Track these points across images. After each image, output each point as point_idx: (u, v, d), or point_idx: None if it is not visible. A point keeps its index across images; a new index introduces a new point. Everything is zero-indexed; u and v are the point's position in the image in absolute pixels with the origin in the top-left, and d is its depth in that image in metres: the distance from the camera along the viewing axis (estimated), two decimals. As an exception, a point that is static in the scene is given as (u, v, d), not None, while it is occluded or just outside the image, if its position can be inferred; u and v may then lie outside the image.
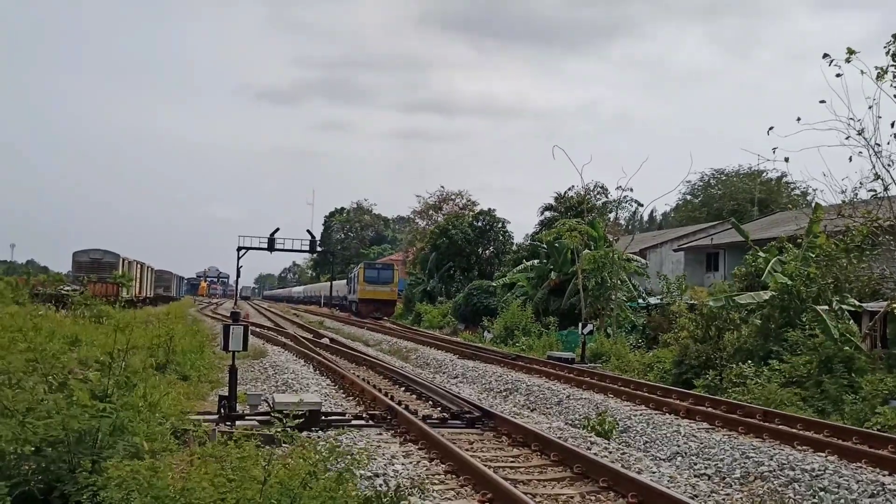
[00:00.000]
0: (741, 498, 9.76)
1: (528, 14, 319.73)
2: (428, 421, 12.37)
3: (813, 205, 22.32)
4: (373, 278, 64.62)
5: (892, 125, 15.92)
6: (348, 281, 76.41)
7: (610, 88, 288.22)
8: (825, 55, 15.83)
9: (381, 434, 11.59)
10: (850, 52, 15.68)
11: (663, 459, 11.75)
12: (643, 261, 39.87)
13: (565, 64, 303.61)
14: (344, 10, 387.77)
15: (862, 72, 15.68)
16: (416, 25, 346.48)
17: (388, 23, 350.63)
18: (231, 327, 11.46)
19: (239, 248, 73.30)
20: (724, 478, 10.68)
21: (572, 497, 8.65)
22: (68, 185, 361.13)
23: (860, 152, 16.56)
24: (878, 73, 15.65)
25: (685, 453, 11.87)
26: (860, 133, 16.31)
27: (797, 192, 59.58)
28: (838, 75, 15.87)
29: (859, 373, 16.07)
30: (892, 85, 15.74)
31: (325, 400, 14.43)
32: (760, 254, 23.00)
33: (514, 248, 56.69)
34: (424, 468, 9.53)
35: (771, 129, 16.64)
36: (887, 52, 15.76)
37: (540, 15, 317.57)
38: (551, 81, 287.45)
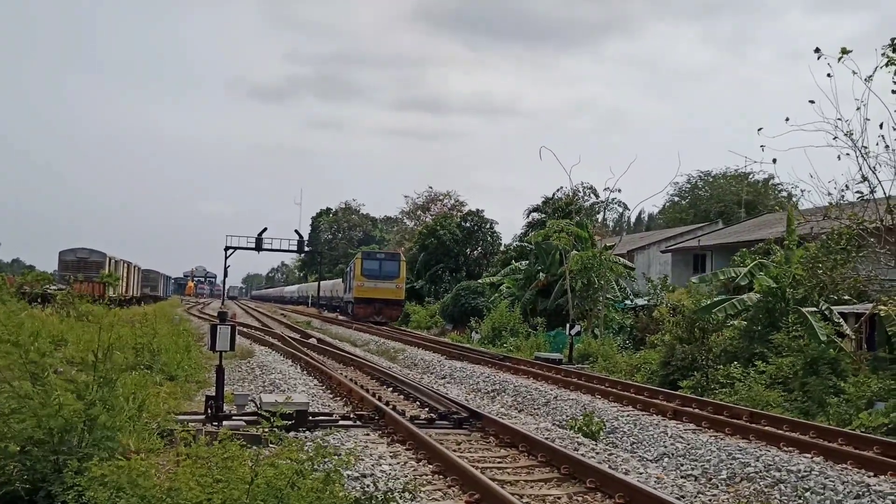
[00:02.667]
0: (728, 499, 9.80)
1: (523, 11, 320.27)
2: (415, 421, 12.36)
3: (798, 206, 22.38)
4: (373, 272, 51.48)
5: (881, 126, 15.98)
6: (343, 277, 64.98)
7: (605, 87, 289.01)
8: (817, 49, 15.87)
9: (368, 434, 11.57)
10: (844, 51, 15.74)
11: (650, 460, 11.78)
12: (628, 263, 40.02)
13: (560, 62, 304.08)
14: (337, 6, 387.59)
15: (854, 72, 15.73)
16: (410, 23, 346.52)
17: (381, 20, 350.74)
18: (218, 327, 11.42)
19: (226, 248, 72.96)
20: (711, 479, 10.72)
21: (559, 498, 8.66)
22: (55, 183, 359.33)
23: (847, 153, 16.62)
24: (888, 60, 15.59)
25: (672, 454, 11.91)
26: (848, 135, 16.37)
27: (784, 193, 59.92)
28: (829, 75, 15.93)
29: (843, 375, 16.16)
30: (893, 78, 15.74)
31: (313, 400, 14.39)
32: (736, 269, 23.08)
33: (503, 248, 56.75)
34: (412, 469, 9.52)
35: (760, 129, 16.66)
36: (884, 54, 15.79)
37: (534, 12, 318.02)
38: (546, 80, 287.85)
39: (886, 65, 15.67)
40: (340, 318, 55.14)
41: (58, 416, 6.37)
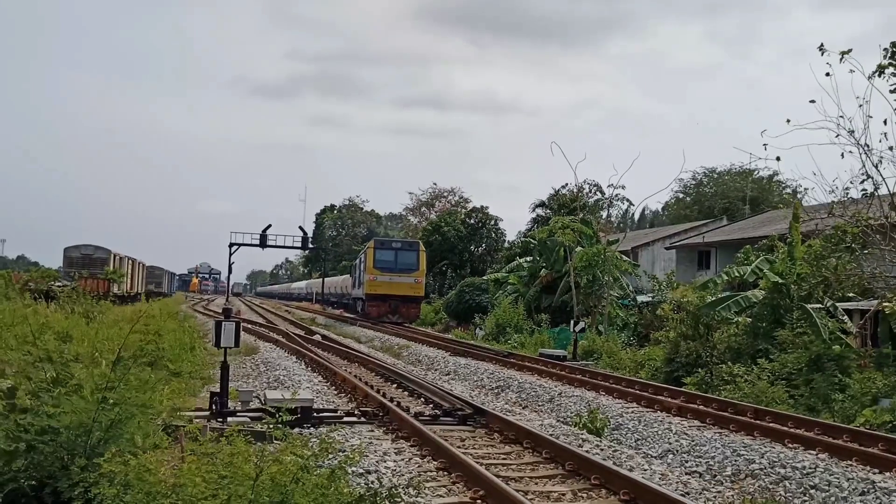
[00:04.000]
0: (732, 495, 9.80)
1: (528, 9, 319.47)
2: (420, 418, 12.37)
3: (801, 203, 22.34)
4: (387, 264, 44.25)
5: (885, 122, 15.95)
6: (352, 270, 58.53)
7: (608, 85, 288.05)
8: (820, 46, 15.85)
9: (373, 431, 11.59)
10: (844, 53, 15.73)
11: (655, 457, 11.78)
12: (633, 262, 40.00)
13: (564, 60, 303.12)
14: (341, 3, 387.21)
15: (851, 70, 15.71)
16: (414, 20, 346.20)
17: (385, 17, 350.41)
18: (223, 323, 11.44)
19: (231, 245, 72.92)
20: (716, 475, 10.72)
21: (564, 494, 8.66)
22: (59, 180, 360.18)
23: (850, 151, 16.61)
24: (878, 69, 15.59)
25: (677, 451, 11.91)
26: (851, 133, 16.35)
27: (788, 190, 59.80)
28: (827, 74, 15.92)
29: (847, 372, 16.14)
30: (889, 80, 15.72)
31: (317, 396, 14.42)
32: (743, 268, 22.99)
33: (507, 245, 56.77)
34: (416, 465, 9.54)
35: (764, 132, 16.67)
36: (885, 56, 15.75)
37: (539, 10, 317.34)
38: (550, 77, 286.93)
39: (879, 74, 15.65)
40: (346, 314, 55.01)
41: (77, 413, 6.38)
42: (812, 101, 16.20)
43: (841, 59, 15.76)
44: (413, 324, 44.39)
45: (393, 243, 47.81)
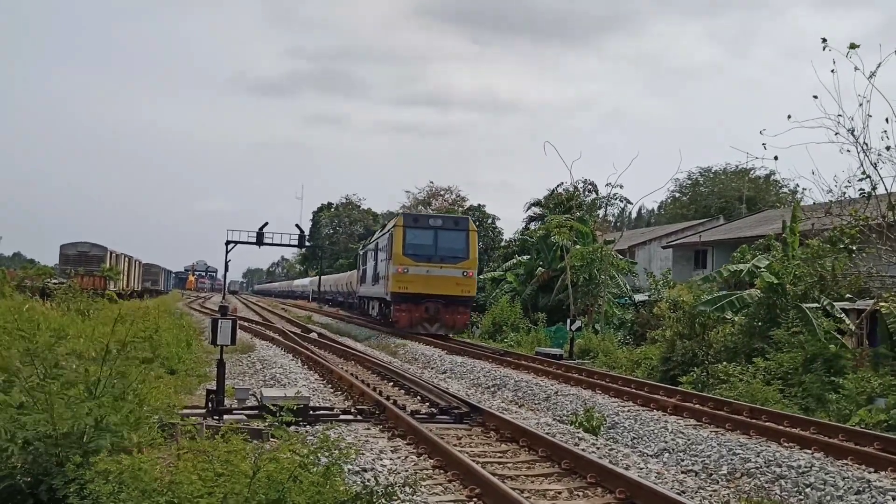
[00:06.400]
0: (728, 494, 9.81)
1: (528, 7, 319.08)
2: (416, 416, 12.36)
3: (800, 203, 22.37)
4: (424, 249, 31.23)
5: (887, 120, 15.96)
6: (360, 260, 46.28)
7: (608, 84, 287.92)
8: (823, 39, 15.84)
9: (369, 429, 11.57)
10: (852, 46, 15.73)
11: (651, 456, 11.79)
12: (631, 260, 40.05)
13: (564, 58, 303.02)
14: (340, 1, 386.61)
15: (856, 68, 15.72)
16: (413, 17, 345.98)
17: (384, 15, 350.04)
18: (219, 321, 11.42)
19: (227, 242, 72.73)
20: (712, 474, 10.74)
21: (560, 492, 8.66)
22: (56, 177, 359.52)
23: (848, 150, 16.63)
24: None
25: (673, 450, 11.92)
26: (851, 132, 16.37)
27: (785, 190, 59.90)
28: (832, 71, 15.94)
29: (842, 371, 16.16)
30: None
31: (314, 394, 14.41)
32: (740, 266, 23.00)
33: (504, 243, 56.73)
34: (413, 463, 9.53)
35: (762, 131, 16.69)
36: None
37: (539, 8, 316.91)
38: (549, 76, 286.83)
39: None
40: (342, 312, 54.86)
41: (68, 410, 6.36)
42: (815, 97, 16.22)
43: (847, 55, 15.77)
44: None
45: (430, 220, 33.74)
